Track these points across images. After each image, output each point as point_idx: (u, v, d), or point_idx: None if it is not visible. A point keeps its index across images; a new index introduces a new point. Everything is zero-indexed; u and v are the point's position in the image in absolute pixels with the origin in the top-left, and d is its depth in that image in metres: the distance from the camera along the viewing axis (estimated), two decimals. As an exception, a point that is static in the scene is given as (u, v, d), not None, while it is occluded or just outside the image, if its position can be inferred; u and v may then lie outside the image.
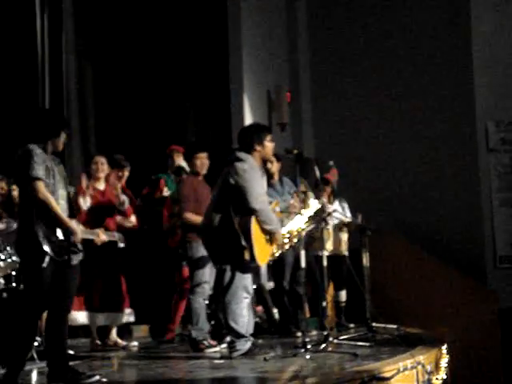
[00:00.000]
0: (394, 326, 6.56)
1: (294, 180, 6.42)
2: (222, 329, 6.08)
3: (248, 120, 8.77)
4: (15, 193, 5.97)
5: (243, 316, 5.32)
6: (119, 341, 6.34)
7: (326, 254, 7.05)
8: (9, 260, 5.58)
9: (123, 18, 8.93)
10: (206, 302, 6.04)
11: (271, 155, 5.70)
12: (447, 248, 8.43)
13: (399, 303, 7.87)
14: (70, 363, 4.65)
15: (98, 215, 6.13)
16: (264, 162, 5.79)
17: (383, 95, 9.20)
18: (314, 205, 5.96)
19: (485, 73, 8.73)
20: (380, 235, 7.25)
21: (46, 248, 4.30)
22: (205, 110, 9.23)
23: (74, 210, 4.67)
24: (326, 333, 5.62)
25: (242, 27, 9.12)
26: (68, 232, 4.40)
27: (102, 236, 5.18)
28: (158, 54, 8.98)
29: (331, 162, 6.99)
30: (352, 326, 7.23)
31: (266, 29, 9.37)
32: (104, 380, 4.55)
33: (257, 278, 6.47)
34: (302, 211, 5.90)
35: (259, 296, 6.95)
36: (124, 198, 6.31)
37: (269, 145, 5.50)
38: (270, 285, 7.06)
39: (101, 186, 6.39)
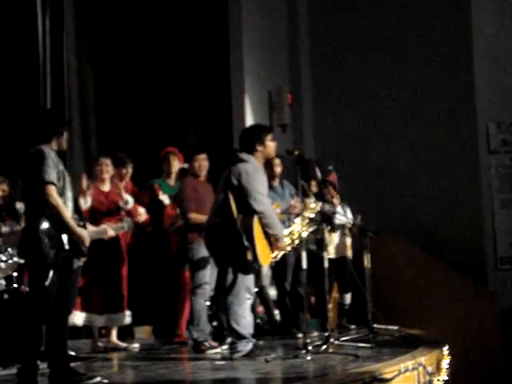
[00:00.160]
0: (395, 328, 6.56)
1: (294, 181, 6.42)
2: (223, 330, 6.08)
3: (249, 121, 8.77)
4: None
5: (245, 317, 5.32)
6: (119, 342, 6.34)
7: (332, 256, 7.12)
8: (10, 261, 5.58)
9: (124, 19, 8.93)
10: (207, 303, 6.04)
11: (273, 154, 5.70)
12: (448, 249, 8.42)
13: (400, 304, 7.86)
14: (71, 364, 4.66)
15: (101, 217, 6.12)
16: (266, 163, 5.80)
17: (384, 96, 9.19)
18: (314, 207, 5.96)
19: (486, 74, 8.72)
20: (381, 237, 7.24)
21: (51, 255, 4.30)
22: (206, 112, 9.22)
23: (80, 210, 4.68)
24: (327, 334, 5.62)
25: (243, 28, 9.11)
26: (75, 238, 4.40)
27: (109, 232, 5.17)
28: (158, 54, 8.98)
29: (330, 167, 6.99)
30: (353, 327, 7.22)
31: (267, 30, 9.37)
32: (105, 381, 4.55)
33: (258, 280, 6.48)
34: (303, 213, 5.90)
35: (260, 297, 6.95)
36: (127, 197, 6.30)
37: (270, 144, 5.51)
38: (272, 293, 7.06)
39: (105, 187, 6.39)
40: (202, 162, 6.18)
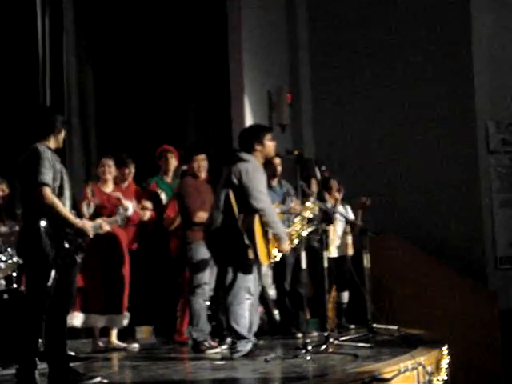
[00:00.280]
0: (395, 327, 6.56)
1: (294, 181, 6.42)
2: (222, 330, 6.09)
3: (248, 121, 8.77)
4: None
5: (245, 317, 5.32)
6: (119, 342, 6.34)
7: (334, 255, 7.15)
8: (9, 261, 5.59)
9: (124, 19, 8.92)
10: (207, 303, 6.04)
11: (273, 154, 5.70)
12: (448, 249, 8.43)
13: (400, 304, 7.86)
14: (71, 364, 4.66)
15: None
16: (266, 162, 5.80)
17: (383, 96, 9.19)
18: (313, 207, 5.96)
19: (485, 73, 8.72)
20: (380, 236, 7.24)
21: (51, 255, 4.30)
22: (205, 111, 9.22)
23: (77, 207, 4.69)
24: (326, 334, 5.62)
25: (242, 28, 9.11)
26: (78, 230, 4.42)
27: (104, 227, 5.13)
28: (158, 54, 8.97)
29: (323, 167, 6.99)
30: (353, 327, 7.23)
31: (266, 30, 9.37)
32: (105, 381, 4.55)
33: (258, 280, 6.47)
34: (302, 213, 5.90)
35: (260, 297, 6.94)
36: (128, 204, 6.27)
37: (269, 144, 5.51)
38: (271, 293, 7.06)
39: (108, 188, 6.39)
40: (202, 163, 6.17)
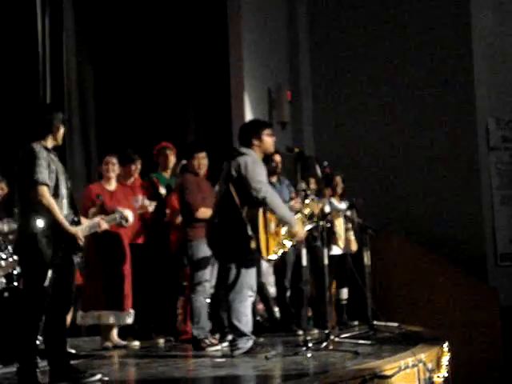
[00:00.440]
0: (395, 324, 6.56)
1: (293, 179, 6.42)
2: (223, 327, 6.09)
3: (249, 118, 8.75)
4: None
5: (247, 315, 5.33)
6: (120, 340, 6.35)
7: (339, 252, 7.16)
8: (10, 259, 5.59)
9: (124, 17, 8.93)
10: (208, 300, 6.04)
11: (272, 149, 5.69)
12: (448, 246, 8.43)
13: (400, 301, 7.87)
14: (72, 362, 4.66)
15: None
16: (267, 159, 5.79)
17: (384, 93, 9.19)
18: (313, 204, 5.96)
19: (485, 71, 8.72)
20: (381, 234, 7.24)
21: (48, 254, 4.30)
22: (205, 109, 9.22)
23: (75, 205, 4.67)
24: (327, 331, 5.62)
25: (242, 26, 9.11)
26: (68, 238, 4.40)
27: (103, 225, 5.08)
28: (158, 52, 8.98)
29: (325, 163, 6.98)
30: (353, 324, 7.23)
31: (266, 27, 9.37)
32: (105, 379, 4.56)
33: (259, 277, 6.48)
34: (303, 210, 5.90)
35: (261, 295, 6.95)
36: (128, 213, 6.25)
37: (267, 139, 5.51)
38: (272, 291, 7.07)
39: (111, 186, 6.39)
40: (202, 161, 6.17)
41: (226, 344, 5.79)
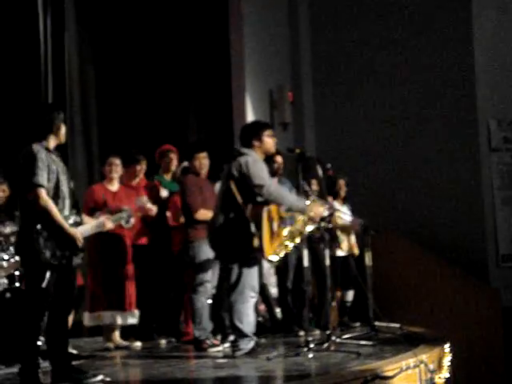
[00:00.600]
0: (397, 325, 6.56)
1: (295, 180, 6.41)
2: (224, 327, 6.10)
3: (250, 119, 8.76)
4: None
5: (249, 316, 5.33)
6: (122, 341, 6.35)
7: (343, 253, 7.17)
8: (12, 260, 5.60)
9: (125, 17, 8.93)
10: (209, 301, 6.04)
11: (272, 150, 5.69)
12: (450, 247, 8.42)
13: (402, 302, 7.87)
14: (74, 362, 4.66)
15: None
16: (268, 160, 5.79)
17: (385, 94, 9.19)
18: (314, 205, 5.95)
19: (487, 71, 8.71)
20: (382, 235, 7.24)
21: (46, 256, 4.31)
22: (207, 110, 9.23)
23: (78, 204, 4.67)
24: (328, 332, 5.62)
25: (243, 26, 9.11)
26: (68, 239, 4.40)
27: (108, 225, 5.07)
28: (159, 52, 8.98)
29: (328, 165, 6.99)
30: (355, 325, 7.23)
31: (268, 28, 9.36)
32: (107, 379, 4.56)
33: (260, 278, 6.47)
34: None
35: (262, 295, 6.95)
36: (124, 219, 6.24)
37: (268, 140, 5.51)
38: (273, 291, 7.07)
39: (113, 187, 6.40)
40: (203, 161, 6.18)
41: (227, 345, 5.79)
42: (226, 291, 5.51)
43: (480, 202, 8.55)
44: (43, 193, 4.37)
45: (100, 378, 4.51)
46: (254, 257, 5.35)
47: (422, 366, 4.88)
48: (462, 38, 8.74)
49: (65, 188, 4.51)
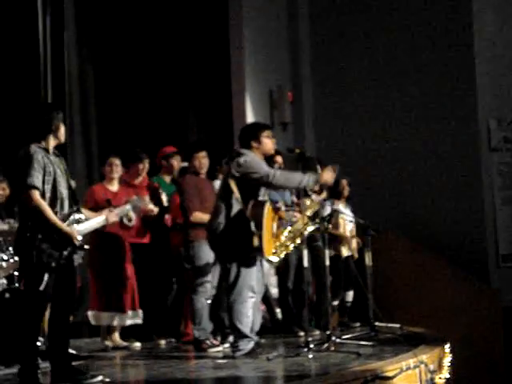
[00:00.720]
0: (397, 326, 6.55)
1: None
2: (223, 328, 6.09)
3: (250, 119, 8.76)
4: None
5: (248, 316, 5.31)
6: (121, 341, 6.34)
7: (346, 254, 7.17)
8: (11, 260, 5.59)
9: (125, 17, 8.92)
10: (209, 301, 6.03)
11: (271, 152, 5.67)
12: (450, 247, 8.42)
13: (402, 302, 7.86)
14: (73, 363, 4.65)
15: None
16: (268, 161, 5.78)
17: (385, 94, 9.18)
18: (315, 205, 5.95)
19: (487, 71, 8.71)
20: (382, 235, 7.23)
21: (43, 257, 4.29)
22: (206, 110, 9.22)
23: (78, 203, 4.65)
24: (328, 332, 5.61)
25: (243, 26, 9.10)
26: (64, 238, 4.38)
27: (111, 219, 4.95)
28: (159, 52, 8.97)
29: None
30: (355, 325, 7.22)
31: (267, 28, 9.36)
32: (107, 380, 4.55)
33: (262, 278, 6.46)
34: (304, 212, 5.88)
35: (262, 296, 6.94)
36: (133, 215, 6.24)
37: (266, 141, 5.49)
38: (274, 292, 7.06)
39: (114, 187, 6.39)
40: (203, 160, 6.17)
41: (227, 345, 5.78)
42: (225, 291, 5.50)
43: (480, 201, 8.55)
44: (36, 194, 4.34)
45: (99, 378, 4.50)
46: (253, 256, 5.33)
47: (422, 366, 4.87)
48: (462, 37, 8.74)
49: (63, 189, 4.48)
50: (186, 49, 9.08)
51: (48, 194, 4.40)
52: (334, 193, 7.25)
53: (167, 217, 6.61)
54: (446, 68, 8.82)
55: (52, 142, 4.53)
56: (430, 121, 8.89)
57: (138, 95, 8.80)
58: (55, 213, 4.41)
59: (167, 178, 6.87)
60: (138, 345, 6.37)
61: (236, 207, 5.28)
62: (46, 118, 4.52)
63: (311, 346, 5.28)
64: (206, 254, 5.80)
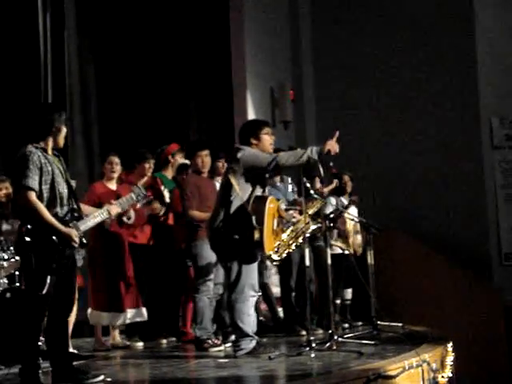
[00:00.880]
0: (399, 324, 6.54)
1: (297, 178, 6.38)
2: (224, 326, 6.07)
3: (251, 118, 8.74)
4: None
5: (249, 315, 5.30)
6: (122, 340, 6.33)
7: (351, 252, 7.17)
8: (12, 260, 5.58)
9: (125, 16, 8.92)
10: (214, 301, 6.01)
11: (270, 149, 5.63)
12: (452, 245, 8.40)
13: (404, 301, 7.84)
14: (74, 363, 4.64)
15: None
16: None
17: (387, 92, 9.17)
18: (318, 204, 5.93)
19: (489, 69, 8.70)
20: (384, 233, 7.21)
21: (44, 257, 4.28)
22: (208, 108, 9.21)
23: (77, 201, 4.64)
24: (330, 331, 5.59)
25: (244, 24, 9.09)
26: (62, 239, 4.37)
27: (113, 211, 4.87)
28: (160, 51, 8.97)
29: (330, 163, 6.95)
30: (357, 324, 7.20)
31: (268, 26, 9.35)
32: (108, 379, 4.54)
33: (261, 277, 6.46)
34: (306, 210, 5.86)
35: (264, 295, 6.93)
36: (132, 213, 6.23)
37: (265, 138, 5.48)
38: (275, 291, 7.05)
39: (113, 186, 6.38)
40: (205, 158, 6.15)
41: (228, 344, 5.77)
42: (226, 290, 5.48)
43: (482, 199, 8.54)
44: (32, 195, 4.32)
45: (101, 378, 4.49)
46: (254, 254, 5.32)
47: (425, 365, 4.86)
48: (465, 35, 8.72)
49: (62, 188, 4.46)
50: (188, 47, 9.07)
51: (47, 194, 4.38)
52: (336, 189, 7.23)
53: (170, 215, 6.61)
54: (449, 66, 8.80)
55: (51, 143, 4.51)
56: (432, 119, 8.87)
57: (139, 94, 8.80)
58: (55, 213, 4.39)
59: (169, 175, 6.88)
60: (140, 344, 6.36)
61: (236, 203, 5.26)
62: (47, 119, 4.50)
63: (313, 345, 5.27)
64: (209, 253, 5.78)
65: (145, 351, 6.20)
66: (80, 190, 6.29)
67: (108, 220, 5.27)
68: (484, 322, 7.79)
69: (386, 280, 7.47)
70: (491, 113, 8.70)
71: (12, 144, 7.39)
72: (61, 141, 4.56)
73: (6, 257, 5.60)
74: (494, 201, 8.60)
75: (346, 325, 7.08)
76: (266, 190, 5.50)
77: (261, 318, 6.83)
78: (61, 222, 4.38)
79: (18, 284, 5.60)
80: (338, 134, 5.32)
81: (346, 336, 5.94)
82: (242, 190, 5.25)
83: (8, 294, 5.49)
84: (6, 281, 5.59)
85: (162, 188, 6.69)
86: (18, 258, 5.46)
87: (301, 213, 5.98)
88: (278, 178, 6.85)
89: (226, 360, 5.30)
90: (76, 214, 4.50)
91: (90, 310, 6.25)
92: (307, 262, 5.58)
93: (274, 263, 5.96)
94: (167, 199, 6.60)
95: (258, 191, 5.34)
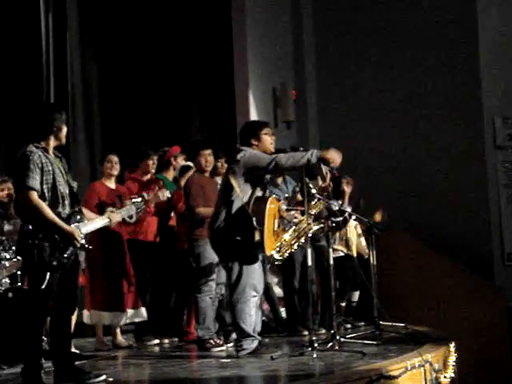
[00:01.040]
0: (402, 325, 6.52)
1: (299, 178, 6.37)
2: (224, 325, 6.07)
3: (253, 118, 8.75)
4: None
5: (251, 315, 5.29)
6: (124, 340, 6.33)
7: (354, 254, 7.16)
8: (14, 259, 5.57)
9: (128, 15, 8.93)
10: (216, 301, 6.00)
11: (271, 149, 5.62)
12: (455, 246, 8.39)
13: (406, 301, 7.83)
14: (76, 363, 4.64)
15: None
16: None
17: (389, 92, 9.16)
18: (320, 204, 5.92)
19: (492, 69, 8.69)
20: (387, 233, 7.20)
21: (45, 257, 4.27)
22: (210, 108, 9.21)
23: (80, 203, 4.63)
24: (333, 331, 5.59)
25: (246, 24, 9.09)
26: (65, 238, 4.36)
27: (114, 218, 4.93)
28: (162, 51, 8.97)
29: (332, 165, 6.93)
30: (359, 324, 7.20)
31: (271, 26, 9.35)
32: (110, 379, 4.54)
33: (263, 277, 6.44)
34: (308, 210, 5.85)
35: (266, 295, 6.92)
36: (133, 212, 6.22)
37: (266, 138, 5.47)
38: (277, 291, 7.04)
39: (112, 184, 6.39)
40: (208, 157, 6.15)
41: (231, 344, 5.76)
42: (227, 290, 5.47)
43: (485, 199, 8.53)
44: (34, 195, 4.31)
45: (103, 378, 4.49)
46: (255, 254, 5.31)
47: (427, 365, 4.85)
48: (467, 35, 8.71)
49: (63, 188, 4.45)
50: (190, 47, 9.07)
51: (48, 194, 4.37)
52: (336, 192, 7.22)
53: (172, 214, 6.61)
54: (452, 66, 8.79)
55: (52, 143, 4.50)
56: (435, 119, 8.87)
57: (142, 94, 8.80)
58: (58, 212, 4.39)
59: (170, 176, 6.88)
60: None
61: (237, 204, 5.26)
62: (47, 119, 4.49)
63: (315, 345, 5.26)
64: (211, 254, 5.77)
65: (146, 351, 6.19)
66: (81, 189, 6.29)
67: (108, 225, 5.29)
68: (486, 322, 7.78)
69: (388, 280, 7.47)
70: (494, 113, 8.69)
71: (13, 144, 7.42)
72: (62, 139, 4.56)
73: (8, 257, 5.59)
74: (496, 200, 8.58)
75: (349, 325, 7.07)
76: (267, 191, 5.50)
77: (263, 319, 6.81)
78: (64, 221, 4.38)
79: (20, 284, 5.59)
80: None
81: (348, 336, 5.93)
82: (242, 192, 5.25)
83: (10, 294, 5.49)
84: (8, 281, 5.59)
85: (164, 190, 6.69)
86: (19, 257, 5.45)
87: (302, 213, 5.97)
88: (280, 179, 6.84)
89: (229, 360, 5.29)
90: (78, 217, 4.50)
91: (86, 312, 6.21)
92: (309, 262, 5.56)
93: (276, 263, 5.94)
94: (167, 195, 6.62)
95: (259, 192, 5.33)
